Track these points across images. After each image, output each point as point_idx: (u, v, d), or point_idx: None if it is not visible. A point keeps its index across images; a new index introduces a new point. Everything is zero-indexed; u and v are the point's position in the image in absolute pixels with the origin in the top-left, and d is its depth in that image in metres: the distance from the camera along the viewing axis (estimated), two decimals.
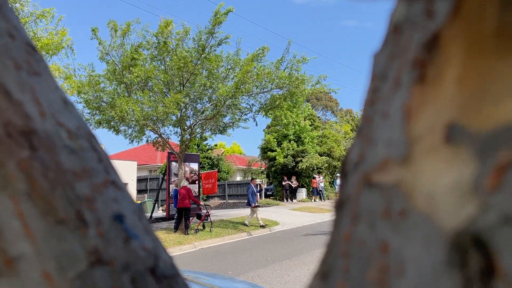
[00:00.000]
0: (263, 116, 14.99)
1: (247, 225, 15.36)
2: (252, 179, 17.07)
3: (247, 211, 20.14)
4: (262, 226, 15.25)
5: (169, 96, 13.04)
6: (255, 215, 15.32)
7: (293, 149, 27.87)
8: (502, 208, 0.20)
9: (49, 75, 0.50)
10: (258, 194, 15.60)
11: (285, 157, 27.82)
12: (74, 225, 0.38)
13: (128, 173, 25.17)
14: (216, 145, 33.19)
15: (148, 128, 13.87)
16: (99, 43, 13.15)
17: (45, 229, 0.37)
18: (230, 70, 13.98)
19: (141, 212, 0.47)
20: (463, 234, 0.21)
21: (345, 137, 32.21)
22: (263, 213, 16.60)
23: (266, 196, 28.34)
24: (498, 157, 0.20)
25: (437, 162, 0.23)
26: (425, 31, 0.26)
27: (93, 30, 13.05)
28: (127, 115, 12.47)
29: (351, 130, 36.53)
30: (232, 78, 14.01)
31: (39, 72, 0.48)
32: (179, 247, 11.62)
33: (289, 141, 28.41)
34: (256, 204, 15.29)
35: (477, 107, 0.22)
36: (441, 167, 0.23)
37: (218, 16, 12.75)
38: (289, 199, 26.58)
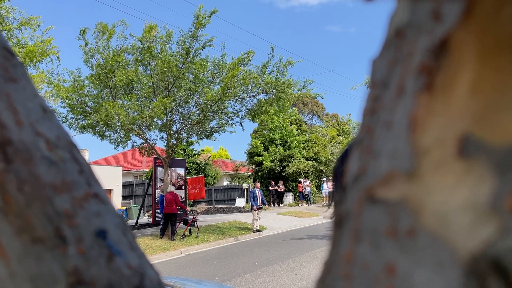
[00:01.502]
0: (249, 121, 14.98)
1: (259, 231, 15.34)
2: (255, 181, 17.11)
3: (234, 216, 20.08)
4: (254, 231, 15.26)
5: (155, 100, 12.95)
6: (255, 219, 15.30)
7: (279, 154, 27.91)
8: None
9: (27, 81, 0.47)
10: (260, 197, 15.56)
11: (272, 161, 27.85)
12: (53, 243, 0.35)
13: (113, 178, 24.89)
14: (202, 150, 33.05)
15: (134, 133, 13.73)
16: (85, 44, 12.98)
17: (20, 249, 0.34)
18: (216, 75, 13.95)
19: (125, 226, 0.44)
20: (481, 258, 0.19)
21: (331, 142, 32.38)
22: (250, 218, 16.54)
23: None
24: None
25: (449, 178, 0.22)
26: (432, 36, 0.24)
27: (82, 30, 12.87)
28: (112, 119, 12.33)
29: (337, 134, 36.74)
30: (218, 83, 13.98)
31: (16, 78, 0.46)
32: (165, 253, 11.50)
33: (276, 145, 28.46)
34: (258, 207, 15.25)
35: (494, 118, 0.20)
36: (453, 183, 0.21)
37: (201, 18, 12.70)
38: (276, 203, 26.56)
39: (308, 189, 27.04)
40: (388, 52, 0.29)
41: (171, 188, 13.80)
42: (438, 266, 0.21)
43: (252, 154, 29.21)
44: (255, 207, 15.14)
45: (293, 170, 26.95)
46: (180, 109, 14.30)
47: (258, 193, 15.57)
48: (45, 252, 0.35)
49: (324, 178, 28.24)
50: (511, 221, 0.18)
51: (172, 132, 14.38)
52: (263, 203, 15.88)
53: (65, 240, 0.36)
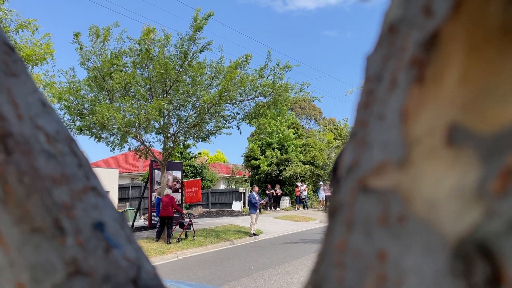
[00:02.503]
0: (247, 124, 14.98)
1: (255, 235, 15.39)
2: (252, 185, 17.13)
3: (230, 219, 20.04)
4: (251, 235, 15.27)
5: (151, 102, 12.94)
6: (253, 222, 15.35)
7: (276, 158, 27.92)
8: (509, 215, 0.19)
9: (27, 76, 0.48)
10: (258, 201, 15.59)
11: (269, 165, 27.85)
12: (51, 234, 0.36)
13: (109, 181, 24.81)
14: (199, 153, 32.98)
15: (130, 136, 13.71)
16: (81, 48, 12.98)
17: (19, 238, 0.35)
18: (214, 78, 13.98)
19: (123, 220, 0.45)
20: (467, 242, 0.20)
21: (328, 146, 32.42)
22: (247, 222, 16.51)
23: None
24: (504, 160, 0.19)
25: (438, 165, 0.22)
26: (423, 30, 0.25)
27: (76, 35, 12.88)
28: (108, 122, 12.31)
29: (334, 138, 36.80)
30: (216, 86, 14.00)
31: (16, 73, 0.46)
32: (161, 257, 11.46)
33: (273, 149, 28.48)
34: (256, 209, 15.29)
35: (481, 108, 0.21)
36: (442, 170, 0.22)
37: (198, 21, 12.75)
38: (272, 207, 26.54)
39: (305, 193, 27.03)
40: (381, 47, 0.30)
41: (167, 191, 13.77)
42: (427, 251, 0.22)
43: (249, 158, 29.21)
44: (258, 206, 15.20)
45: (290, 174, 26.96)
46: (178, 112, 14.30)
47: (257, 196, 15.61)
48: (43, 242, 0.35)
49: (321, 183, 28.25)
50: (496, 205, 0.19)
51: (169, 135, 14.37)
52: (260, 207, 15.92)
53: (64, 231, 0.37)
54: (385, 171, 0.26)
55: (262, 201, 15.15)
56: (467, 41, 0.22)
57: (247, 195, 27.86)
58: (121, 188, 27.36)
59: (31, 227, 0.35)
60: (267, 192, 26.41)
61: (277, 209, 26.67)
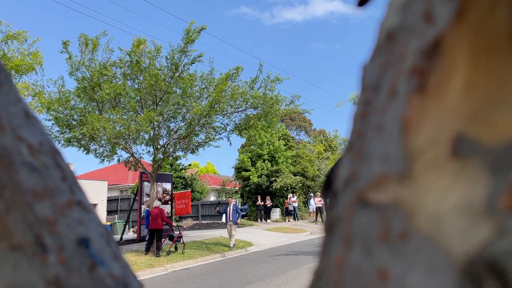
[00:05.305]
0: (237, 136, 14.97)
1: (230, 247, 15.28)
2: (229, 197, 17.03)
3: (220, 232, 19.89)
4: (230, 247, 15.11)
5: (142, 114, 12.87)
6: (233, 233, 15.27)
7: (267, 169, 27.88)
8: None
9: (10, 86, 0.46)
10: (230, 213, 15.42)
11: (259, 176, 27.78)
12: (32, 251, 0.34)
13: (98, 193, 24.51)
14: (190, 164, 32.83)
15: (120, 147, 13.60)
16: (69, 57, 12.89)
17: None
18: (204, 90, 13.98)
19: (109, 236, 0.43)
20: (476, 261, 0.19)
21: (318, 157, 32.50)
22: (237, 234, 16.39)
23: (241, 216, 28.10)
24: None
25: (442, 179, 0.21)
26: (424, 38, 0.24)
27: (64, 43, 12.79)
28: (98, 133, 12.21)
29: (324, 150, 36.90)
30: (206, 98, 14.00)
31: None
32: (150, 270, 11.30)
33: (263, 161, 28.44)
34: (226, 221, 15.29)
35: (487, 118, 0.20)
36: (446, 184, 0.21)
37: (191, 34, 12.78)
38: (263, 219, 26.41)
39: (295, 204, 26.95)
40: (379, 56, 0.29)
41: (157, 203, 13.64)
42: (432, 270, 0.21)
43: (239, 169, 29.11)
44: (228, 218, 15.27)
45: (281, 186, 26.90)
46: (168, 123, 14.24)
47: (229, 208, 15.38)
48: (23, 260, 0.33)
49: (311, 194, 28.22)
50: (507, 221, 0.18)
51: (159, 146, 14.29)
52: (234, 219, 15.44)
53: (46, 248, 0.35)
54: (385, 185, 0.24)
55: (225, 222, 15.26)
56: (471, 49, 0.21)
57: (237, 206, 27.72)
58: (110, 201, 27.04)
59: (10, 244, 0.33)
60: (257, 203, 26.30)
61: (268, 221, 26.55)
